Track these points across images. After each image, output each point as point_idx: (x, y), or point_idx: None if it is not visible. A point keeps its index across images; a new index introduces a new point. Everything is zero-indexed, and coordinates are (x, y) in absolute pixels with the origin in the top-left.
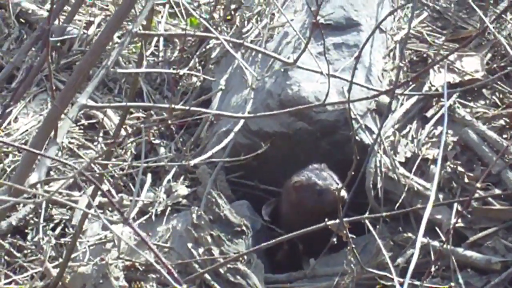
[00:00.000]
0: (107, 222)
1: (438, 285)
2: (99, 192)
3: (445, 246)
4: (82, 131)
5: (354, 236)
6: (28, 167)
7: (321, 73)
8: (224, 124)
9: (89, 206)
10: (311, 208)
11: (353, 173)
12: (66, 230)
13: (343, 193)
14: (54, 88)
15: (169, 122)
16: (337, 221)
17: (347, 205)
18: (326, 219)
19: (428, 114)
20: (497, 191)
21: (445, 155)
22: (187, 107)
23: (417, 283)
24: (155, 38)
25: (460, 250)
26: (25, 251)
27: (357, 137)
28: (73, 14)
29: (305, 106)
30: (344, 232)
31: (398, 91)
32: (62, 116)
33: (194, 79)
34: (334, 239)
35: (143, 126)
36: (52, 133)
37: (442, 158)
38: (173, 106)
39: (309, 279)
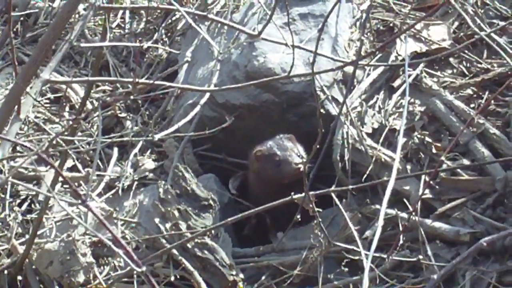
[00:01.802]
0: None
1: (406, 257)
2: (65, 167)
3: (413, 217)
4: (48, 105)
5: (321, 210)
6: None
7: (286, 44)
8: (190, 96)
9: (55, 180)
10: (270, 178)
11: (318, 146)
12: (33, 206)
13: (299, 166)
14: (18, 63)
15: (132, 97)
16: (303, 194)
17: (311, 179)
18: (292, 193)
19: (395, 84)
20: (465, 161)
21: (413, 126)
22: (151, 81)
23: (384, 256)
24: (121, 10)
25: (428, 221)
26: None
27: (323, 109)
28: None
29: (270, 78)
30: (311, 206)
31: (363, 61)
32: (28, 90)
33: (161, 50)
34: (298, 216)
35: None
36: (16, 108)
37: (410, 129)
38: (137, 80)
39: (277, 252)
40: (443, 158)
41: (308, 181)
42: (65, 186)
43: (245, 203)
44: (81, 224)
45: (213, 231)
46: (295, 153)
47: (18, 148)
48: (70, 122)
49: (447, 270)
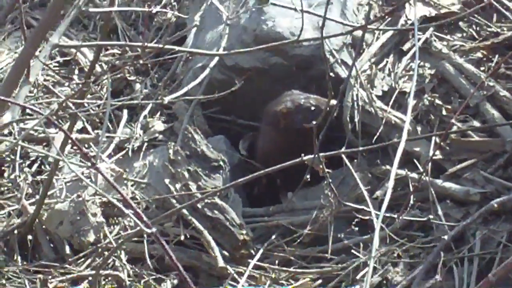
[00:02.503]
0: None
1: (417, 217)
2: (75, 129)
3: (423, 177)
4: (57, 68)
5: (331, 171)
6: (1, 106)
7: (295, 9)
8: (200, 59)
9: (65, 143)
10: (300, 127)
11: (328, 109)
12: (43, 167)
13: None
14: (26, 26)
15: (141, 62)
16: (313, 156)
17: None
18: (302, 154)
19: (405, 47)
20: (475, 123)
21: (422, 88)
22: (160, 45)
23: (395, 216)
24: None
25: (438, 181)
26: (2, 189)
27: (333, 72)
28: None
29: (279, 43)
30: (321, 167)
31: (372, 26)
32: (37, 54)
33: (169, 14)
34: (308, 176)
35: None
36: (25, 72)
37: (420, 91)
38: (146, 44)
39: (287, 212)
40: (453, 120)
41: (319, 142)
42: (75, 147)
43: (255, 164)
44: (91, 186)
45: (223, 192)
46: (312, 97)
47: (27, 110)
48: (80, 86)
49: (457, 230)
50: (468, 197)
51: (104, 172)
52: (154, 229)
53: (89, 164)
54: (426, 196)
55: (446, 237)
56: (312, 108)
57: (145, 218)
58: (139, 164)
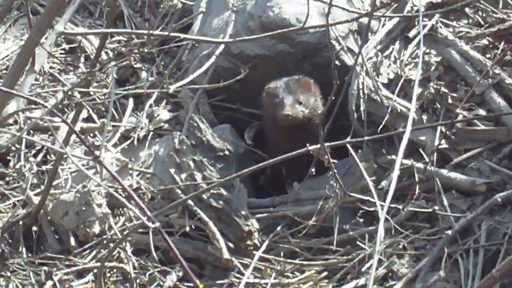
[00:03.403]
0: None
1: (422, 208)
2: (81, 117)
3: (429, 167)
4: (63, 55)
5: (336, 161)
6: (6, 95)
7: None
8: (205, 47)
9: (70, 133)
10: (270, 117)
11: (333, 97)
12: (48, 157)
13: (288, 111)
14: (32, 13)
15: (146, 50)
16: (318, 145)
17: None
18: (308, 144)
19: (411, 34)
20: (481, 112)
21: (428, 76)
22: (166, 33)
23: (400, 207)
24: None
25: (444, 171)
26: (7, 179)
27: (339, 59)
28: None
29: (284, 30)
30: (326, 157)
31: (378, 13)
32: (42, 41)
33: (175, 0)
34: (313, 170)
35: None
36: (30, 60)
37: (425, 79)
38: (152, 32)
39: (292, 203)
40: (458, 110)
41: (324, 131)
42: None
43: (261, 154)
44: (94, 180)
45: (228, 182)
46: (296, 100)
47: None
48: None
49: (462, 224)
50: (474, 188)
51: (109, 162)
52: (157, 224)
53: (93, 157)
54: (432, 187)
55: (450, 232)
56: (276, 100)
57: (148, 213)
58: (144, 153)
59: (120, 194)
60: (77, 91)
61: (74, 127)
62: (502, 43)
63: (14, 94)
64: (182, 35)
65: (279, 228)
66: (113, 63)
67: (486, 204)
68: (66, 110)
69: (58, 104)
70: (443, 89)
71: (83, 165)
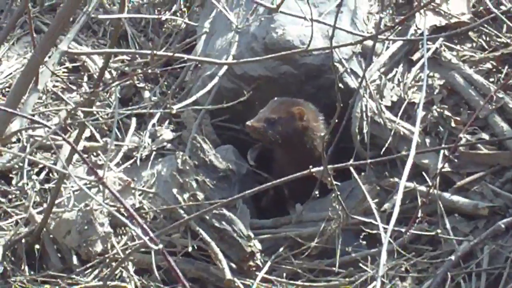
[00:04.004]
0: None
1: (425, 231)
2: (83, 137)
3: (431, 190)
4: (66, 74)
5: (339, 184)
6: (9, 114)
7: (305, 18)
8: (209, 67)
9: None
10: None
11: (336, 120)
12: (51, 175)
13: (248, 122)
14: (36, 31)
15: (150, 70)
16: (321, 168)
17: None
18: (311, 166)
19: (414, 57)
20: (484, 135)
21: (432, 99)
22: (170, 53)
23: (403, 230)
24: None
25: (447, 195)
26: (10, 196)
27: (342, 82)
28: None
29: (288, 52)
30: (329, 179)
31: (382, 36)
32: (46, 60)
33: (179, 21)
34: (317, 192)
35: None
36: (34, 79)
37: (429, 102)
38: (155, 52)
39: (295, 224)
40: (461, 135)
41: (327, 154)
42: (84, 155)
43: (263, 175)
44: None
45: (231, 203)
46: (265, 117)
47: (36, 117)
48: (89, 93)
49: (464, 249)
50: (477, 211)
51: (112, 181)
52: (160, 246)
53: (96, 178)
54: (434, 210)
55: (453, 257)
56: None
57: (151, 233)
58: (147, 173)
59: (123, 214)
60: (81, 110)
61: (77, 146)
62: (506, 67)
63: (17, 115)
64: (186, 56)
65: (281, 249)
66: (116, 82)
67: (489, 231)
68: (69, 128)
69: (62, 121)
70: (446, 112)
71: (85, 184)
